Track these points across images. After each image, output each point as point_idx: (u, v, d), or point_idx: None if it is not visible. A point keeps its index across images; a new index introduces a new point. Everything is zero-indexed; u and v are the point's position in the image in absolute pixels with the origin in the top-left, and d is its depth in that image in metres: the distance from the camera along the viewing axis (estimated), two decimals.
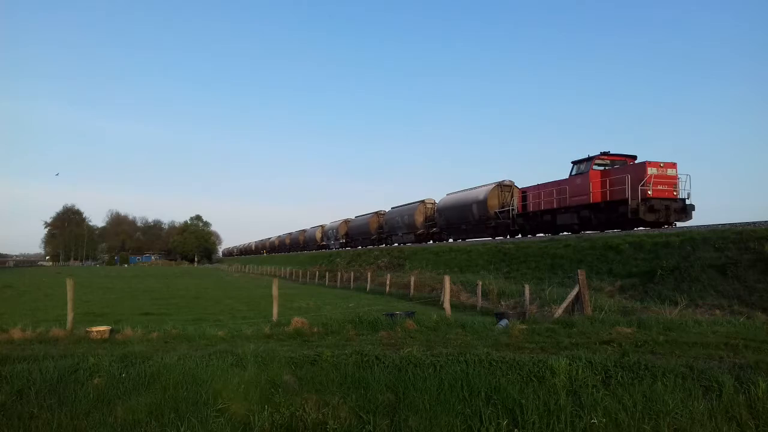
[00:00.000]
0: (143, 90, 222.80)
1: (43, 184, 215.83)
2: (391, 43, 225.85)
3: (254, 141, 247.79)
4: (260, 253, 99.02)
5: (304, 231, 74.74)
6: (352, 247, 53.57)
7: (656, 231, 19.55)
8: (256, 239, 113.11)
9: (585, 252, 20.46)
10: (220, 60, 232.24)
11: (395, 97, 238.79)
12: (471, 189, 33.95)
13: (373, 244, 48.23)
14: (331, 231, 61.33)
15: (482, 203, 31.08)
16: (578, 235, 23.96)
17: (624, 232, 21.73)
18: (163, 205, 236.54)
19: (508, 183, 31.22)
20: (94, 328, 9.93)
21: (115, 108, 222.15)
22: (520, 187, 28.97)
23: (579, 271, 12.62)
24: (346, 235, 56.90)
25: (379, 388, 5.53)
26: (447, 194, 37.27)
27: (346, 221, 57.78)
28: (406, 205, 43.74)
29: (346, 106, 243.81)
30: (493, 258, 25.92)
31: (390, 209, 46.04)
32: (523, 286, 17.05)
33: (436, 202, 39.39)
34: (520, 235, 28.36)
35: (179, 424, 4.88)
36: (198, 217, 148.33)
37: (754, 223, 16.47)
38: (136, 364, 6.48)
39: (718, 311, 12.97)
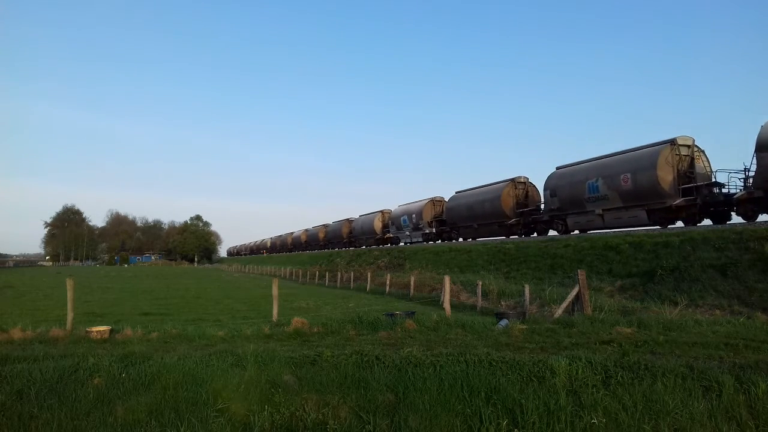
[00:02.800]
0: (143, 90, 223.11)
1: (43, 184, 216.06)
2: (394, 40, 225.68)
3: (254, 141, 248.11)
4: (278, 252, 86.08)
5: (349, 221, 58.09)
6: (452, 239, 36.30)
7: (656, 231, 19.55)
8: (272, 235, 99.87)
9: (585, 252, 20.47)
10: (221, 60, 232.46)
11: (392, 98, 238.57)
12: None
13: (511, 233, 29.80)
14: (404, 218, 42.44)
15: None
16: (578, 234, 23.92)
17: (624, 231, 21.72)
18: (163, 205, 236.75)
19: None
20: (94, 328, 9.93)
21: (115, 108, 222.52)
22: None
23: (579, 271, 12.63)
24: (439, 221, 38.07)
25: (379, 388, 5.53)
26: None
27: (434, 201, 39.28)
28: (606, 157, 23.61)
29: (345, 105, 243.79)
30: (493, 258, 25.94)
31: (555, 170, 27.20)
32: (523, 286, 17.04)
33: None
34: None
35: (179, 424, 4.87)
36: (198, 217, 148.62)
37: (754, 222, 16.47)
38: (136, 364, 6.48)
39: (718, 311, 12.98)
